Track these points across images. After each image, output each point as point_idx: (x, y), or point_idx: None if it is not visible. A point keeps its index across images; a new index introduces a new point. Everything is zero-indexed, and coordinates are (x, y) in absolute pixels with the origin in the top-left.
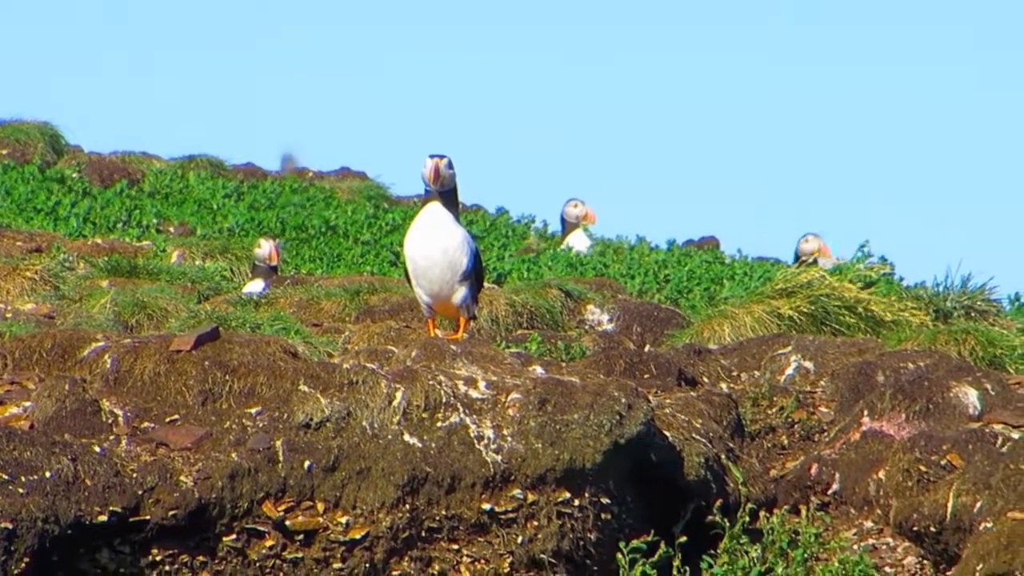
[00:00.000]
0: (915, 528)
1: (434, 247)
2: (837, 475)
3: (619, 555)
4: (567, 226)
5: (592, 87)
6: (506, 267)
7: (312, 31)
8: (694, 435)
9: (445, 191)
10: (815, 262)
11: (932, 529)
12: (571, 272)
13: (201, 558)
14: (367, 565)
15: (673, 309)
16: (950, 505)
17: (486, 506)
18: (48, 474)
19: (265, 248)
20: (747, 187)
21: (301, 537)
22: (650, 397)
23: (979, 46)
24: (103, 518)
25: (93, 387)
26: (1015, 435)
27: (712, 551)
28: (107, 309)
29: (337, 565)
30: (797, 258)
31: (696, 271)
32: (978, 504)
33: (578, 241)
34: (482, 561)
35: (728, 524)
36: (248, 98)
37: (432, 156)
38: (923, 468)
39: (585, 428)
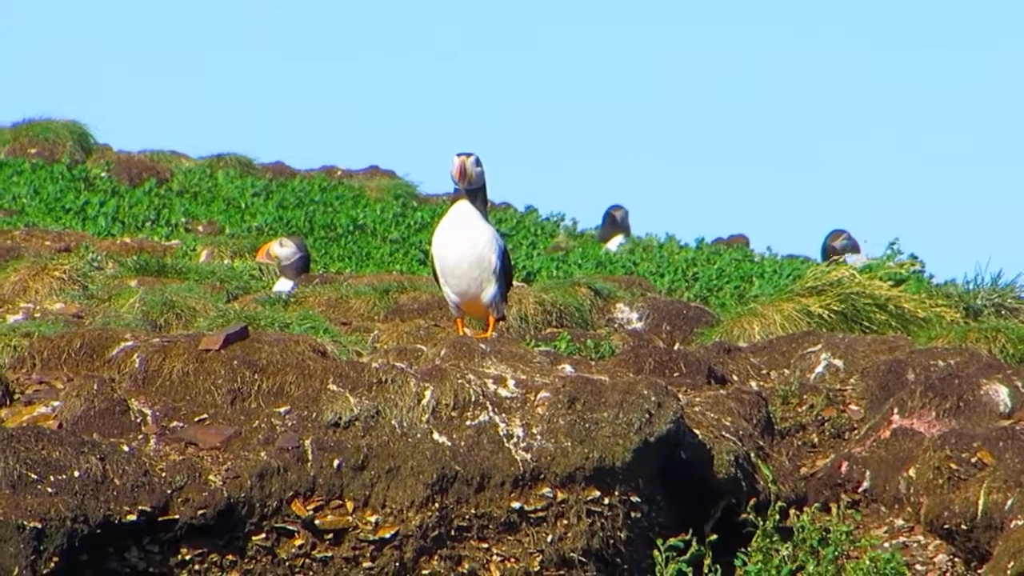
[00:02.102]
0: (946, 526)
1: (462, 244)
2: (868, 473)
3: (656, 552)
4: (608, 228)
5: (620, 85)
6: (535, 265)
7: (341, 30)
8: (724, 433)
9: (473, 189)
10: (843, 259)
11: (963, 527)
12: (600, 270)
13: (230, 557)
14: (397, 564)
15: (702, 307)
16: (981, 503)
17: (516, 505)
18: (77, 474)
19: (288, 247)
20: (776, 185)
21: (330, 536)
22: (680, 395)
23: (1009, 41)
24: (132, 517)
25: (122, 386)
26: None
27: (742, 549)
28: (135, 308)
29: (367, 564)
30: (825, 255)
31: (725, 269)
32: (1009, 501)
33: (617, 247)
34: (512, 560)
35: (759, 522)
36: (277, 96)
37: (459, 154)
38: (954, 466)
39: (615, 426)
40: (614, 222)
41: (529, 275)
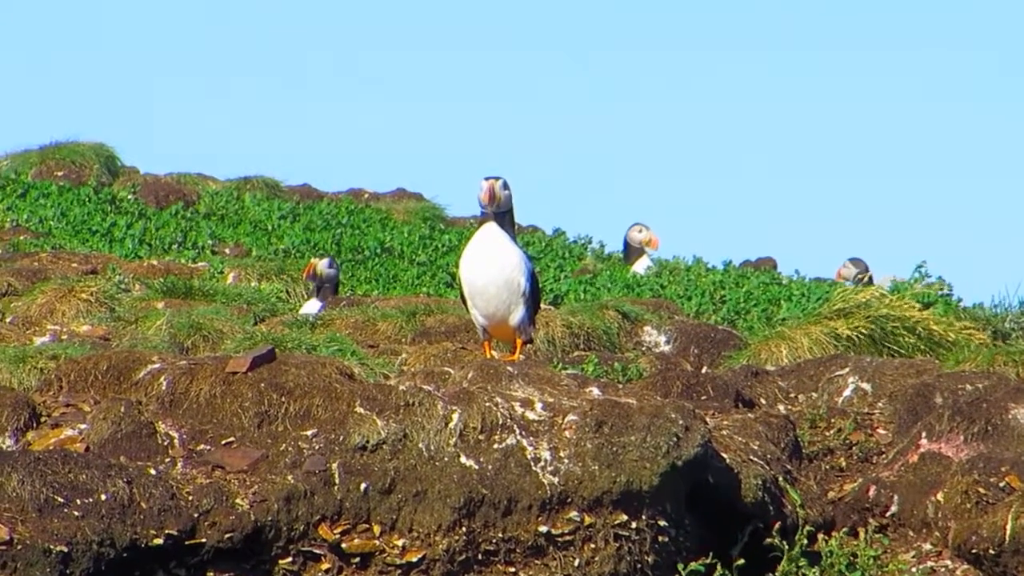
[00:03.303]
0: (974, 550)
1: (491, 267)
2: (895, 497)
3: None
4: (631, 250)
5: (649, 106)
6: (563, 288)
7: (368, 53)
8: (752, 457)
9: (501, 212)
10: (870, 281)
11: (991, 552)
12: (628, 293)
13: None
14: None
15: (730, 330)
16: (1009, 527)
17: (543, 528)
18: (104, 497)
19: (323, 263)
20: (805, 207)
21: (357, 560)
22: (707, 419)
23: None
24: (159, 541)
25: (149, 409)
26: None
27: (769, 574)
28: (162, 331)
29: None
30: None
31: (753, 292)
32: None
33: (644, 269)
34: None
35: (786, 546)
36: (304, 119)
37: (487, 178)
38: (982, 490)
39: (642, 450)
40: (628, 243)
41: (557, 298)
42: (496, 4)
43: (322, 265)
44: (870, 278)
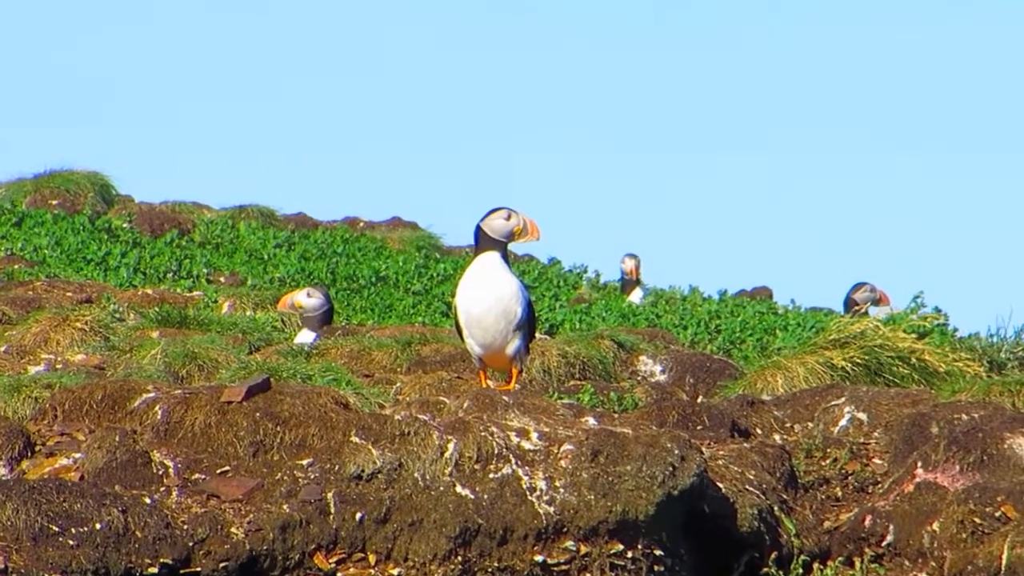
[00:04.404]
0: None
1: (489, 296)
2: (891, 527)
3: None
4: (627, 280)
5: (645, 136)
6: (558, 317)
7: (364, 81)
8: (747, 487)
9: (500, 242)
10: (867, 312)
11: None
12: (623, 323)
13: None
14: None
15: (726, 360)
16: (1005, 557)
17: (538, 558)
18: (99, 526)
19: (316, 297)
20: (800, 237)
21: None
22: (703, 448)
23: None
24: (153, 570)
25: (144, 438)
26: None
27: None
28: (157, 360)
29: None
30: (848, 307)
31: (749, 321)
32: None
33: (640, 298)
34: None
35: None
36: (299, 147)
37: (504, 209)
38: (977, 520)
39: (638, 479)
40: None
41: (552, 327)
42: (492, 34)
43: (300, 296)
44: (877, 300)
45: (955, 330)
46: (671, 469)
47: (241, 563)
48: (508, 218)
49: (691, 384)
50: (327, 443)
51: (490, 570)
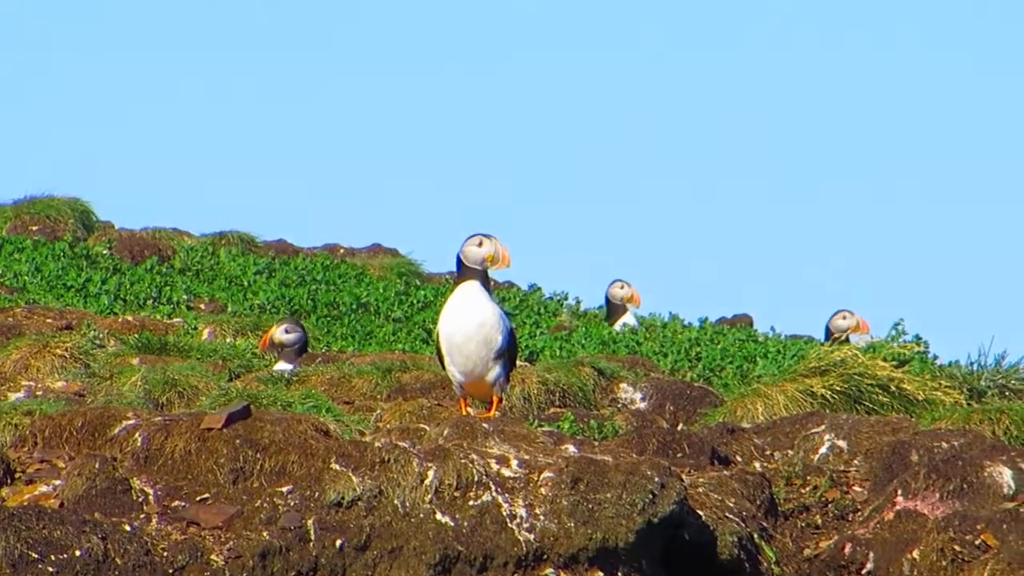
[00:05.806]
0: None
1: (470, 323)
2: (871, 555)
3: None
4: (612, 306)
5: (625, 164)
6: (538, 345)
7: (345, 109)
8: (727, 514)
9: (481, 270)
10: (847, 339)
11: None
12: (604, 350)
13: None
14: None
15: (706, 387)
16: None
17: None
18: (78, 553)
19: (295, 332)
20: (781, 264)
21: None
22: (683, 476)
23: (1014, 118)
24: None
25: (123, 465)
26: None
27: None
28: (138, 387)
29: None
30: (828, 335)
31: (729, 349)
32: None
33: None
34: None
35: None
36: (279, 174)
37: (480, 234)
38: (957, 548)
39: (618, 507)
40: (610, 300)
41: (532, 354)
42: (470, 62)
43: (279, 333)
44: (857, 327)
45: (935, 357)
46: (651, 496)
47: None
48: (480, 244)
49: (671, 412)
50: (307, 470)
51: None
